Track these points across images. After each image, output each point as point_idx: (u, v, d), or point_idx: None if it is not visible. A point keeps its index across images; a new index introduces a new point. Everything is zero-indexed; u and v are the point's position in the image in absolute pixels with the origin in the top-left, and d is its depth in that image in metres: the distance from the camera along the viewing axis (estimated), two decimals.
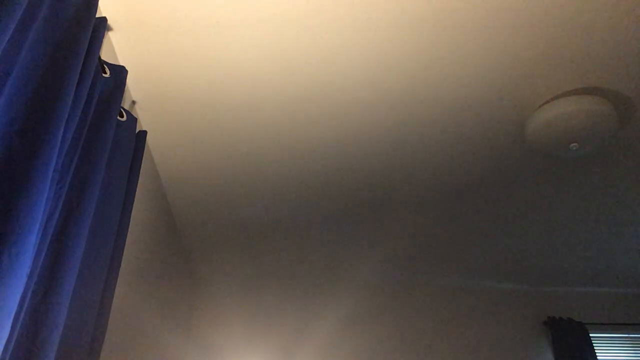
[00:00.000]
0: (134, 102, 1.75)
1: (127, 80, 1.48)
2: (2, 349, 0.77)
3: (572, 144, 1.78)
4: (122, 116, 1.45)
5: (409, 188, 2.29)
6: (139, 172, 1.52)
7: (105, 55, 1.43)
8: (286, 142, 1.98)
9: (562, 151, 1.83)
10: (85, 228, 1.10)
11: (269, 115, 1.83)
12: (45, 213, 0.94)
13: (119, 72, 1.41)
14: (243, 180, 2.24)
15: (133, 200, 1.47)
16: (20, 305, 0.88)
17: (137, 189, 1.52)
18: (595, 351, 3.12)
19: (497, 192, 2.33)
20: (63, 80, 0.97)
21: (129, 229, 1.44)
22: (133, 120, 1.52)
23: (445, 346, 3.21)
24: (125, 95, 1.63)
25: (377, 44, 1.53)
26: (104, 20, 1.29)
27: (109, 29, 1.47)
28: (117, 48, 1.53)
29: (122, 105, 1.45)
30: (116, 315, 1.60)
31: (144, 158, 1.59)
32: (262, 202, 2.41)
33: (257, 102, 1.77)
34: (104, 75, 1.32)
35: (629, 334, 3.30)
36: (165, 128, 1.91)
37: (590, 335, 3.20)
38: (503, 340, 3.26)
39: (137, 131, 1.58)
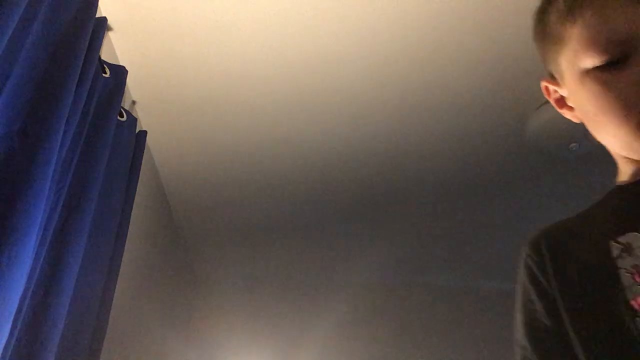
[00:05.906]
0: (134, 102, 1.75)
1: (127, 80, 1.48)
2: (2, 349, 0.77)
3: (572, 144, 1.78)
4: (122, 116, 1.45)
5: (409, 188, 2.29)
6: (139, 172, 1.52)
7: (105, 55, 1.43)
8: (286, 142, 1.98)
9: (562, 151, 1.83)
10: (85, 228, 1.10)
11: (269, 115, 1.83)
12: (45, 213, 0.94)
13: (119, 72, 1.41)
14: (243, 180, 2.24)
15: (133, 200, 1.47)
16: (20, 305, 0.87)
17: (137, 189, 1.52)
18: None
19: (497, 192, 2.32)
20: (63, 80, 0.97)
21: (129, 229, 1.44)
22: (133, 120, 1.53)
23: (446, 346, 3.21)
24: (125, 95, 1.63)
25: (377, 44, 1.53)
26: (104, 20, 1.29)
27: (109, 29, 1.47)
28: (117, 48, 1.53)
29: (122, 105, 1.45)
30: (116, 315, 1.60)
31: (144, 158, 1.59)
32: (263, 202, 2.41)
33: (257, 102, 1.77)
34: (104, 75, 1.33)
35: None
36: (165, 128, 1.91)
37: None
38: (503, 340, 3.26)
39: (137, 131, 1.58)
